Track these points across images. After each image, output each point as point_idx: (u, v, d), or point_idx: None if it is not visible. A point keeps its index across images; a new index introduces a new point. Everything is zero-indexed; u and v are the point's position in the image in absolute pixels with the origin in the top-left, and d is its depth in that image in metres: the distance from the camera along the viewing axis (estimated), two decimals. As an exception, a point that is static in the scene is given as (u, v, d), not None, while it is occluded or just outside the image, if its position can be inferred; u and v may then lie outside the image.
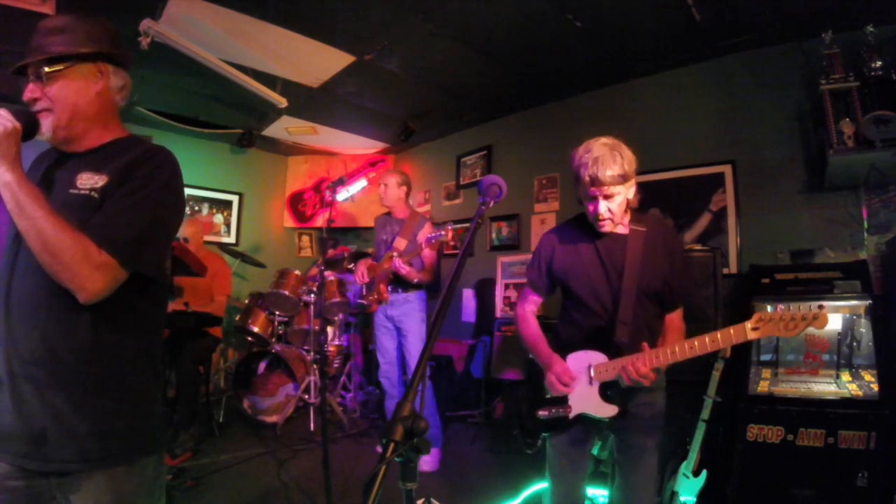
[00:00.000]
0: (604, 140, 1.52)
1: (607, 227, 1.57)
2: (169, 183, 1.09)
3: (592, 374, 1.55)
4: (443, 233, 2.75)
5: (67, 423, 0.98)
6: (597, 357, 1.55)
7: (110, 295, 1.00)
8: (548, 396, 1.61)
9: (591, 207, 1.54)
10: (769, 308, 1.35)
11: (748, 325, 1.35)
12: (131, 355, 1.07)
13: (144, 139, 1.16)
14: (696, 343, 1.40)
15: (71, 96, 1.06)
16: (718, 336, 1.38)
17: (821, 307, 1.29)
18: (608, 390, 1.53)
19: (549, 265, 1.71)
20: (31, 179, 1.02)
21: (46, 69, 1.04)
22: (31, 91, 1.05)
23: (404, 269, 2.99)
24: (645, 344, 1.44)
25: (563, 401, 1.57)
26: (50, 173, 1.09)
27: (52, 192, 1.05)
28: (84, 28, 1.09)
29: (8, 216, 1.03)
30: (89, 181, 1.03)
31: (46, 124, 1.05)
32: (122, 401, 1.05)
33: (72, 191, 1.03)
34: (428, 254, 3.14)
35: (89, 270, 0.95)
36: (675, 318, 1.62)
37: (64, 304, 0.99)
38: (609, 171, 1.45)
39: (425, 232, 2.99)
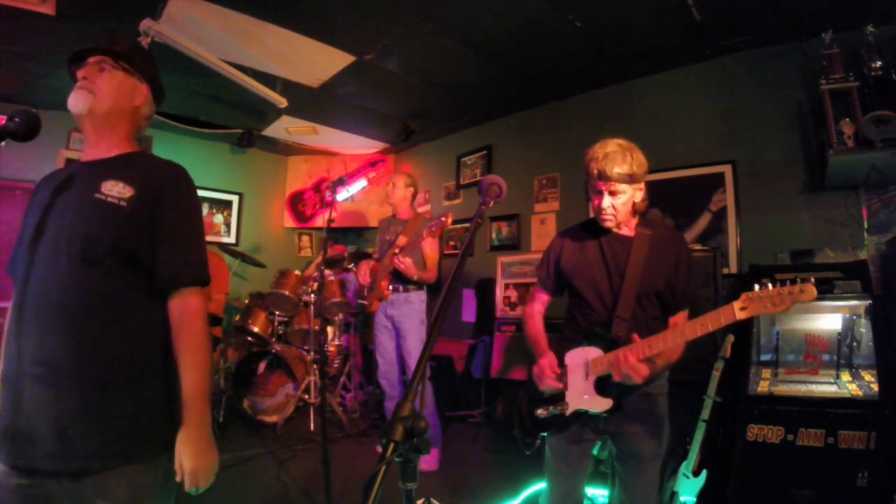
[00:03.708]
0: (619, 140, 1.57)
1: (609, 224, 1.60)
2: (197, 201, 1.24)
3: (589, 368, 1.55)
4: (443, 218, 2.75)
5: (82, 423, 1.00)
6: (594, 352, 1.55)
7: (124, 298, 1.07)
8: (545, 395, 1.61)
9: (596, 201, 1.58)
10: (757, 288, 1.32)
11: (736, 305, 1.32)
12: (144, 355, 1.10)
13: (151, 155, 1.27)
14: (685, 329, 1.39)
15: (116, 93, 1.19)
16: (707, 319, 1.35)
17: (807, 280, 1.24)
18: (603, 384, 1.53)
19: (557, 263, 1.73)
20: (47, 189, 1.12)
21: (111, 62, 1.19)
22: (88, 72, 1.17)
23: (404, 264, 2.99)
24: (635, 335, 1.43)
25: (560, 398, 1.57)
26: (70, 180, 1.13)
27: (74, 196, 1.10)
28: (144, 55, 1.29)
29: (31, 221, 1.08)
30: (115, 189, 1.09)
31: (85, 101, 1.14)
32: (136, 399, 1.06)
33: (97, 196, 1.08)
34: (429, 247, 3.13)
35: (206, 327, 1.15)
36: (679, 322, 1.60)
37: (79, 305, 1.02)
38: (617, 169, 1.50)
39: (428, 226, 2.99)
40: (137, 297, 1.10)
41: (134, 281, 1.09)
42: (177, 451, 1.07)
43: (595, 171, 1.52)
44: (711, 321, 1.35)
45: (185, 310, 1.12)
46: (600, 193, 1.55)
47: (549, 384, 1.55)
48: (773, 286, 1.27)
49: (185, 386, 1.09)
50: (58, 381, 1.00)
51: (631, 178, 1.52)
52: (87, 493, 1.01)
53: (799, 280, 1.24)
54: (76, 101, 1.14)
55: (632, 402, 1.53)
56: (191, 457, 1.06)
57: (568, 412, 1.55)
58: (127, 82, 1.22)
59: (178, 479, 1.07)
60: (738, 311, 1.32)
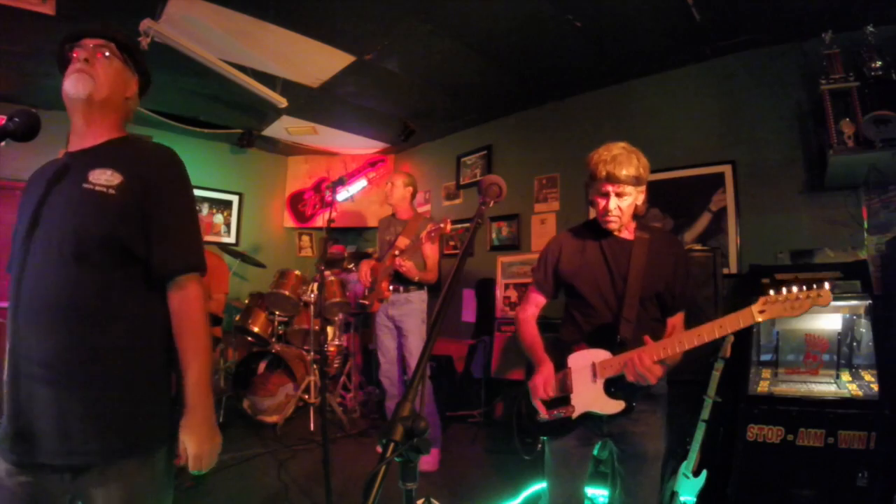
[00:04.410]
0: (623, 144, 1.60)
1: (614, 226, 1.60)
2: (189, 185, 1.20)
3: (597, 371, 1.55)
4: (442, 224, 2.77)
5: (82, 421, 1.00)
6: (600, 354, 1.55)
7: (120, 293, 1.06)
8: (548, 399, 1.60)
9: (601, 203, 1.59)
10: (772, 293, 1.33)
11: (754, 308, 1.33)
12: (144, 349, 1.09)
13: (142, 137, 1.23)
14: (702, 331, 1.39)
15: (114, 82, 1.16)
16: (725, 321, 1.36)
17: (824, 285, 1.26)
18: (612, 387, 1.53)
19: (556, 266, 1.73)
20: (38, 184, 1.10)
21: (114, 50, 1.16)
22: (88, 54, 1.13)
23: (405, 266, 3.01)
24: (647, 337, 1.44)
25: (565, 401, 1.57)
26: (60, 173, 1.11)
27: (64, 190, 1.08)
28: (139, 48, 1.26)
29: (24, 218, 1.07)
30: (103, 177, 1.07)
31: (86, 86, 1.10)
32: (136, 395, 1.07)
33: (86, 185, 1.06)
34: (429, 249, 3.14)
35: (206, 315, 1.15)
36: (677, 322, 1.62)
37: (74, 303, 1.02)
38: (625, 171, 1.53)
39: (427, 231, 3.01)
40: (134, 290, 1.09)
41: (129, 274, 1.08)
42: (181, 436, 1.08)
43: (603, 173, 1.54)
44: (730, 324, 1.36)
45: (184, 298, 1.12)
46: (606, 195, 1.57)
47: (538, 405, 1.56)
48: (790, 290, 1.28)
49: (187, 373, 1.09)
50: (57, 380, 1.00)
51: (637, 181, 1.55)
52: (87, 487, 1.02)
53: (815, 285, 1.26)
54: (76, 85, 1.10)
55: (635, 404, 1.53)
56: (194, 442, 1.08)
57: (575, 415, 1.55)
58: (123, 72, 1.19)
59: (181, 462, 1.09)
60: (756, 314, 1.33)
